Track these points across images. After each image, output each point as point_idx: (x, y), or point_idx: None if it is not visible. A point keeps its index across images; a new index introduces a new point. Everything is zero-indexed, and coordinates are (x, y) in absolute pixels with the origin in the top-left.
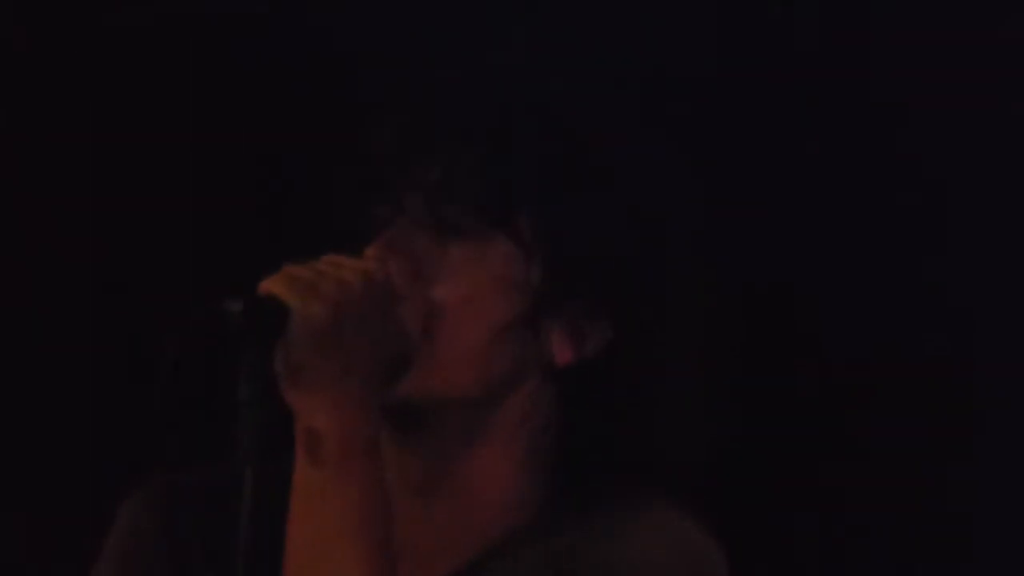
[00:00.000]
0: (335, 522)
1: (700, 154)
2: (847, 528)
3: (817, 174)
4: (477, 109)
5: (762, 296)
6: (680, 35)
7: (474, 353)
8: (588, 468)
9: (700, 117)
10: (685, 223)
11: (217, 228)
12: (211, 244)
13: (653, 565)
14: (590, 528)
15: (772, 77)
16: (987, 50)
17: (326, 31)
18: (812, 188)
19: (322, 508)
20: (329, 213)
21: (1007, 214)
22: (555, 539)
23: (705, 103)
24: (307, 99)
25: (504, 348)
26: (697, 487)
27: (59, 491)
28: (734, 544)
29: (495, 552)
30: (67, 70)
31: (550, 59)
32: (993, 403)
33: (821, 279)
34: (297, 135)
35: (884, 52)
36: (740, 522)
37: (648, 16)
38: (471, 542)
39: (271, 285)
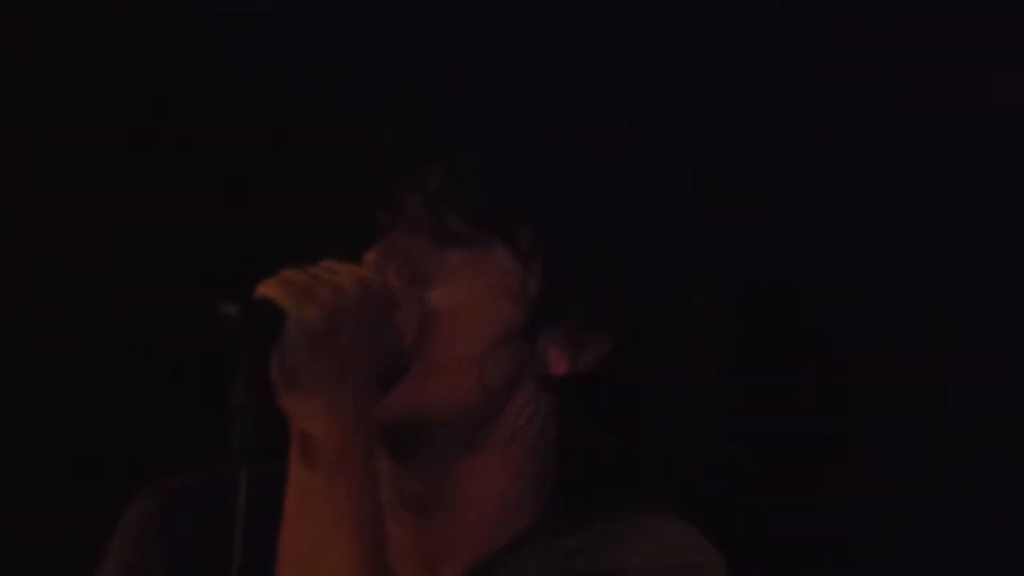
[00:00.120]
0: (329, 525)
1: (700, 155)
2: (848, 532)
3: (817, 175)
4: (477, 112)
5: (762, 296)
6: (680, 35)
7: (469, 361)
8: (587, 477)
9: (700, 118)
10: (685, 229)
11: (217, 229)
12: (211, 245)
13: (652, 571)
14: (590, 534)
15: (772, 78)
16: (987, 50)
17: (326, 31)
18: (812, 188)
19: (316, 511)
20: (329, 216)
21: (1007, 214)
22: (555, 543)
23: (705, 104)
24: (307, 99)
25: (500, 358)
26: (697, 494)
27: (59, 491)
28: (734, 552)
29: (494, 558)
30: (67, 70)
31: (550, 61)
32: (993, 403)
33: (821, 279)
34: (297, 136)
35: (885, 52)
36: (739, 529)
37: (648, 17)
38: (469, 550)
39: (267, 289)
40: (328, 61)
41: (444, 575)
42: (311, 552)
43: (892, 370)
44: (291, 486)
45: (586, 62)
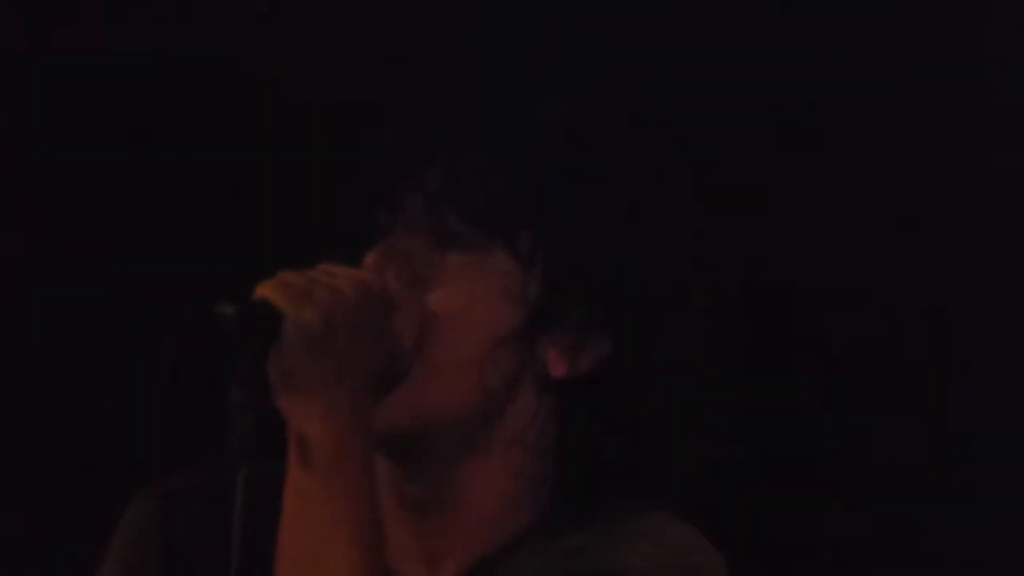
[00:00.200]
0: (327, 527)
1: (700, 155)
2: (848, 532)
3: (817, 174)
4: (477, 113)
5: (762, 296)
6: (680, 35)
7: (469, 364)
8: (587, 477)
9: (700, 118)
10: (685, 230)
11: (216, 229)
12: (211, 245)
13: (652, 571)
14: (590, 534)
15: (771, 78)
16: (987, 50)
17: (326, 31)
18: (812, 188)
19: (314, 513)
20: (329, 216)
21: (1007, 214)
22: (555, 543)
23: (705, 104)
24: (307, 100)
25: (499, 360)
26: (697, 494)
27: (59, 491)
28: (734, 552)
29: (494, 558)
30: (67, 70)
31: (549, 61)
32: (993, 403)
33: (821, 279)
34: (297, 136)
35: (885, 52)
36: (739, 529)
37: (648, 17)
38: (469, 550)
39: (265, 290)
40: (328, 61)
41: (444, 571)
42: (310, 553)
43: (892, 370)
44: (289, 487)
45: (585, 62)
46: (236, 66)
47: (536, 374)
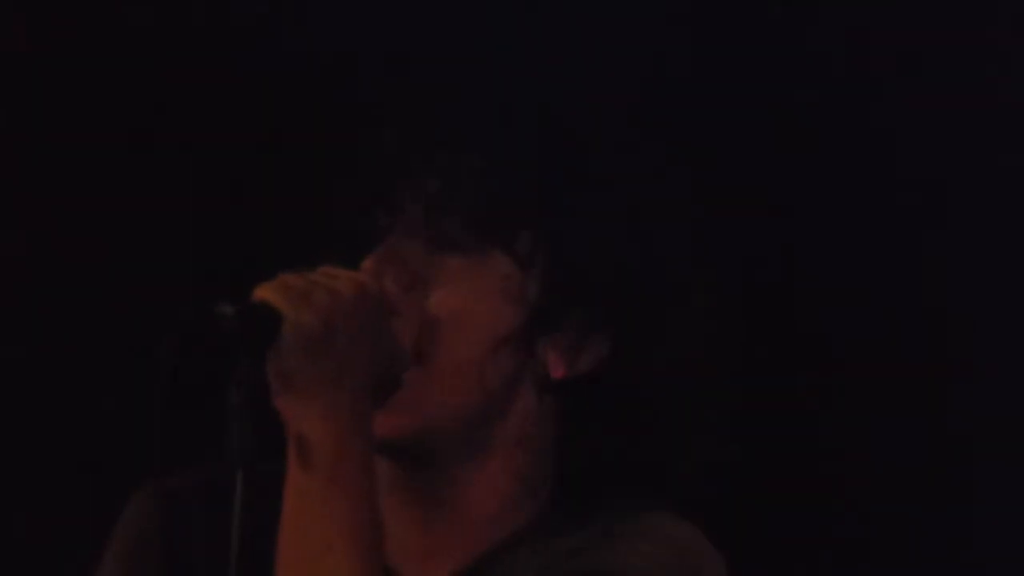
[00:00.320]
0: (326, 528)
1: (700, 155)
2: (848, 532)
3: (817, 174)
4: (476, 115)
5: (762, 296)
6: (680, 35)
7: (469, 365)
8: (587, 477)
9: (700, 118)
10: (685, 230)
11: (217, 229)
12: (211, 245)
13: (652, 571)
14: (590, 534)
15: (772, 77)
16: (987, 50)
17: (326, 31)
18: (812, 188)
19: (314, 514)
20: (329, 217)
21: (1007, 214)
22: (555, 543)
23: (704, 104)
24: (307, 100)
25: (500, 361)
26: (697, 494)
27: (59, 491)
28: (734, 552)
29: (493, 557)
30: (67, 70)
31: (548, 62)
32: (993, 403)
33: (821, 279)
34: (297, 136)
35: (885, 52)
36: (739, 529)
37: (648, 17)
38: (468, 549)
39: (265, 292)
40: (328, 61)
41: (442, 573)
42: (309, 554)
43: (892, 370)
44: (288, 489)
45: (585, 62)
46: (236, 66)
47: (536, 374)
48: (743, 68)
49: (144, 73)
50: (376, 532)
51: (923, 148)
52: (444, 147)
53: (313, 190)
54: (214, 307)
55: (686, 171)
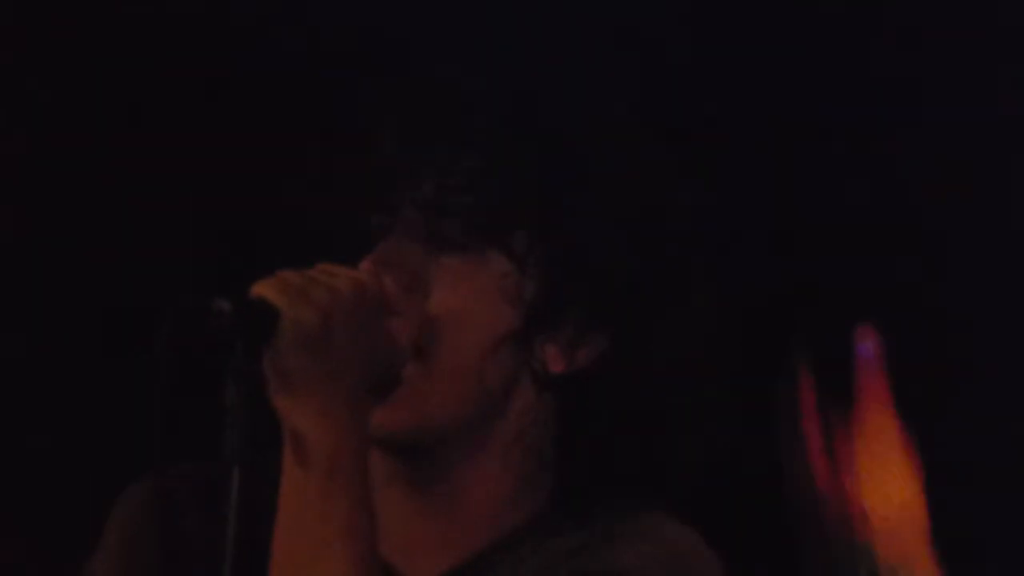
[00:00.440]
0: (322, 526)
1: (700, 155)
2: None
3: (817, 174)
4: (474, 116)
5: (762, 296)
6: (680, 35)
7: (468, 365)
8: (586, 476)
9: (700, 117)
10: (684, 229)
11: (216, 229)
12: (210, 245)
13: (651, 571)
14: (589, 533)
15: (772, 77)
16: (987, 50)
17: (326, 31)
18: (812, 188)
19: (310, 512)
20: (328, 217)
21: (1007, 214)
22: (554, 543)
23: (704, 104)
24: (307, 100)
25: (498, 361)
26: (697, 494)
27: (59, 491)
28: (734, 551)
29: (492, 555)
30: (67, 70)
31: (546, 63)
32: (993, 403)
33: (822, 279)
34: (296, 136)
35: (884, 52)
36: (739, 529)
37: (647, 16)
38: (467, 547)
39: (262, 288)
40: (328, 61)
41: (440, 570)
42: (306, 552)
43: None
44: (284, 486)
45: (584, 62)
46: (236, 66)
47: (535, 372)
48: (743, 68)
49: (144, 73)
50: (373, 530)
51: (924, 149)
52: (443, 148)
53: (312, 191)
54: (211, 303)
55: (685, 171)
